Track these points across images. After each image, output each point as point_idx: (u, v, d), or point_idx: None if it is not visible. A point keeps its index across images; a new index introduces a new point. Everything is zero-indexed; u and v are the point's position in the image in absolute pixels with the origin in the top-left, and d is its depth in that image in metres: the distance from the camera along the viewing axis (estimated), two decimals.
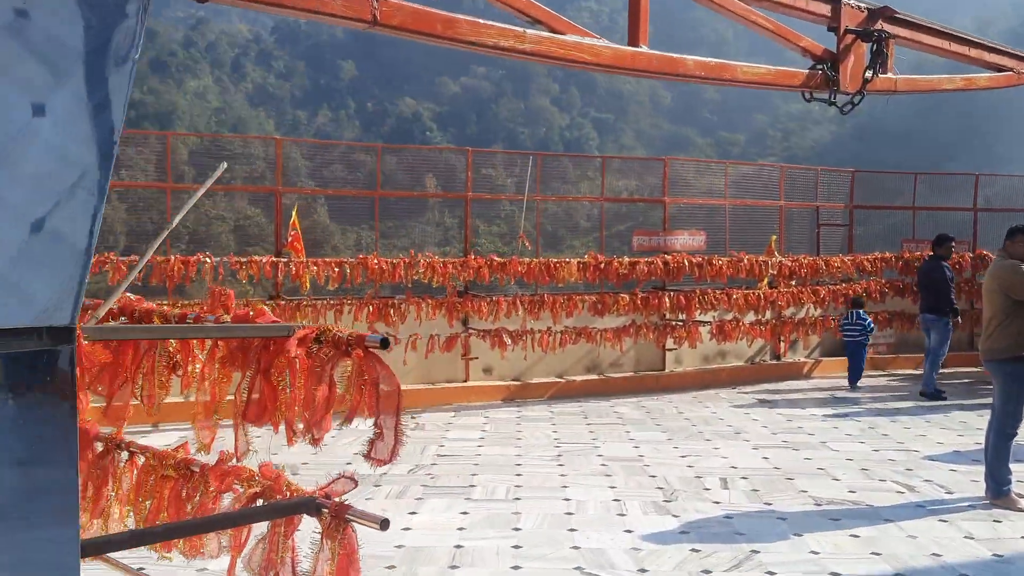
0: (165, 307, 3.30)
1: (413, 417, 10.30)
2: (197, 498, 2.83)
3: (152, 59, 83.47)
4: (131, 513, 3.13)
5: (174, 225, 3.25)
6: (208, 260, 9.45)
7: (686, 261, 12.12)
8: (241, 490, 2.64)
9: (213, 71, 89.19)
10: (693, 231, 12.92)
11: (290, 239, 10.17)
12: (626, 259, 11.83)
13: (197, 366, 2.90)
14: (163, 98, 76.45)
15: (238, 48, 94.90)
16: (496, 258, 11.06)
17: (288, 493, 2.51)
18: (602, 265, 11.61)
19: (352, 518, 2.32)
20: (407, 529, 6.34)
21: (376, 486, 7.43)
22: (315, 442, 2.48)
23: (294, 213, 10.29)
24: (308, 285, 10.00)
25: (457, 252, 19.00)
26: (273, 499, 2.53)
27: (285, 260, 10.00)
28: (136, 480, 3.11)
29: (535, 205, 12.20)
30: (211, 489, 2.75)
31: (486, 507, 6.89)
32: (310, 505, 2.41)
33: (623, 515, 6.74)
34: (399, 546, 5.98)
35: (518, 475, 7.87)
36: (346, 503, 2.37)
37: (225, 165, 3.11)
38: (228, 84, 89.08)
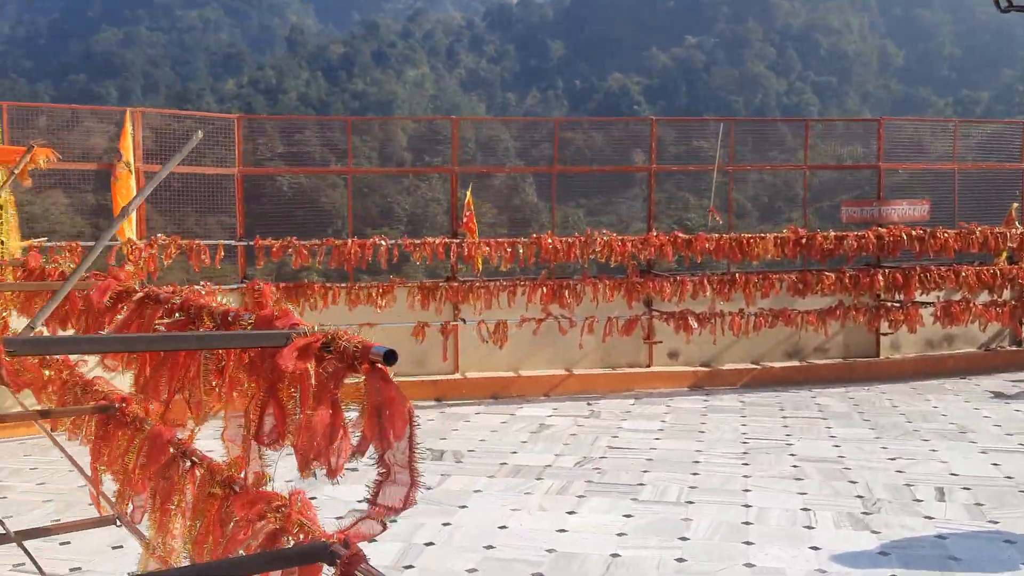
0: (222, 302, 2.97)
1: (589, 404, 9.78)
2: (231, 526, 2.47)
3: (374, 51, 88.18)
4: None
5: (132, 208, 2.91)
6: (383, 243, 9.41)
7: (904, 235, 10.65)
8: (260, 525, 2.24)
9: (429, 59, 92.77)
10: (915, 200, 11.36)
11: (465, 219, 9.94)
12: (832, 233, 10.58)
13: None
14: (384, 88, 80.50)
15: (452, 35, 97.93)
16: (681, 234, 10.24)
17: (301, 535, 2.07)
18: (803, 240, 10.45)
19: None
20: (562, 531, 5.84)
21: (538, 479, 6.99)
22: (331, 474, 2.01)
23: (468, 193, 10.05)
24: (480, 266, 9.73)
25: (666, 227, 18.19)
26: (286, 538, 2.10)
27: (458, 241, 9.78)
28: (195, 494, 2.81)
29: (729, 175, 11.22)
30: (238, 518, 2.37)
31: (653, 510, 6.26)
32: (322, 554, 1.95)
33: (811, 528, 5.86)
34: (550, 550, 5.50)
35: (694, 474, 7.14)
36: (360, 554, 1.88)
37: (201, 134, 2.71)
38: (443, 71, 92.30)
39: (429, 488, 6.75)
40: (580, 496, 6.58)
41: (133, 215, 9.08)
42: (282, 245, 9.17)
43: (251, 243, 9.42)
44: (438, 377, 10.09)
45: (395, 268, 10.53)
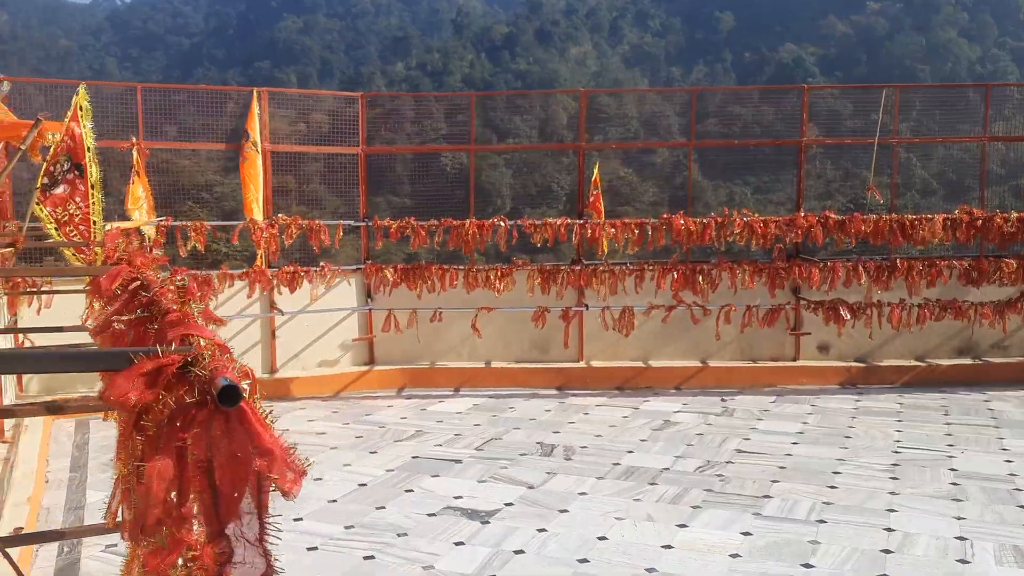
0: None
1: (723, 400, 9.01)
2: None
3: (537, 30, 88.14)
4: None
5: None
6: (502, 224, 9.00)
7: None
8: None
9: (592, 36, 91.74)
10: None
11: (591, 199, 9.36)
12: (1014, 215, 9.21)
13: None
14: (547, 67, 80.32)
15: (616, 11, 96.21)
16: (832, 215, 9.20)
17: None
18: (979, 222, 9.14)
19: None
20: (667, 547, 5.24)
21: (651, 484, 6.39)
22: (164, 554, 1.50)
23: (595, 170, 9.45)
24: (605, 248, 9.13)
25: (840, 206, 16.82)
26: None
27: (581, 222, 9.23)
28: None
29: (893, 149, 10.01)
30: None
31: (776, 528, 5.52)
32: None
33: (966, 562, 4.98)
34: (650, 570, 4.92)
35: (831, 487, 6.31)
36: None
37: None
38: (605, 47, 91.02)
39: (531, 487, 6.32)
40: (695, 507, 5.93)
41: (260, 195, 9.14)
42: (400, 226, 8.95)
43: (370, 223, 9.27)
44: (561, 365, 9.62)
45: (531, 250, 10.14)
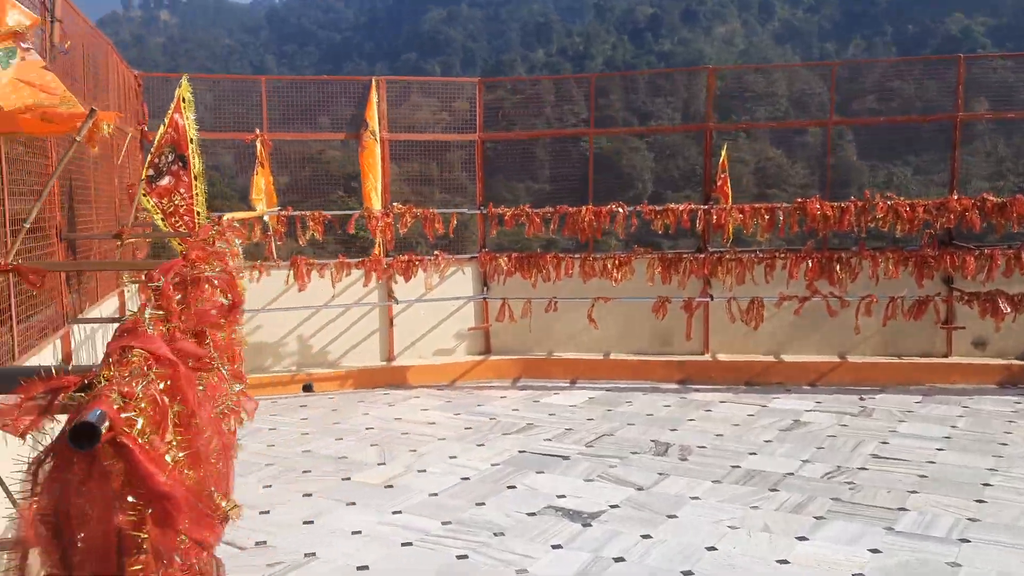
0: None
1: (861, 399, 8.30)
2: None
3: (682, 10, 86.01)
4: None
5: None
6: (620, 210, 8.63)
7: None
8: None
9: (740, 14, 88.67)
10: None
11: (719, 182, 8.82)
12: None
13: None
14: (691, 47, 78.23)
15: None
16: (991, 197, 8.27)
17: None
18: None
19: None
20: (783, 563, 4.80)
21: (772, 490, 5.91)
22: None
23: (723, 152, 8.90)
24: (731, 235, 8.59)
25: (1012, 187, 15.39)
26: None
27: (706, 207, 8.72)
28: None
29: None
30: None
31: (911, 546, 4.96)
32: None
33: None
34: None
35: (979, 501, 5.64)
36: None
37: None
38: (754, 24, 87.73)
39: (640, 488, 5.98)
40: (819, 517, 5.42)
41: (378, 183, 9.17)
42: (514, 213, 8.75)
43: (485, 211, 9.12)
44: (684, 358, 9.16)
45: (657, 239, 9.74)
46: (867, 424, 7.50)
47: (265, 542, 5.17)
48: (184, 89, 5.31)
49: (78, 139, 3.06)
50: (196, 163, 5.31)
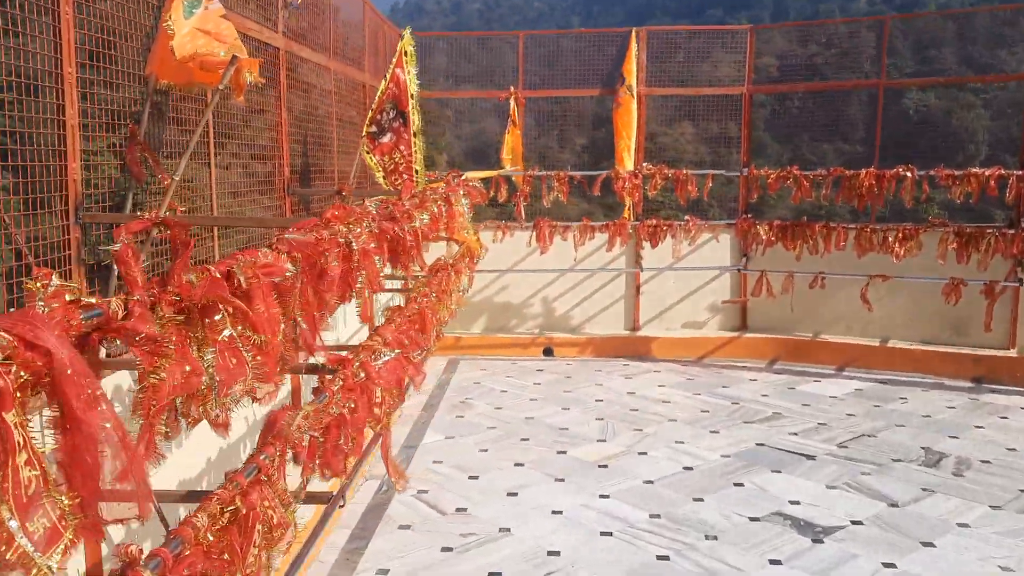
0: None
1: None
2: None
3: None
4: None
5: None
6: (908, 173, 7.34)
7: None
8: None
9: None
10: None
11: None
12: None
13: None
14: None
15: None
16: None
17: None
18: None
19: None
20: None
21: None
22: None
23: None
24: None
25: None
26: None
27: (1020, 173, 7.16)
28: None
29: None
30: None
31: None
32: None
33: None
34: None
35: None
36: None
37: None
38: None
39: (894, 505, 5.05)
40: None
41: (632, 142, 8.68)
42: (780, 175, 7.80)
43: (745, 173, 8.26)
44: (982, 351, 7.72)
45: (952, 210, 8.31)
46: None
47: (466, 509, 5.03)
48: (406, 43, 5.19)
49: (220, 87, 2.96)
50: (416, 120, 5.20)
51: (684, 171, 7.94)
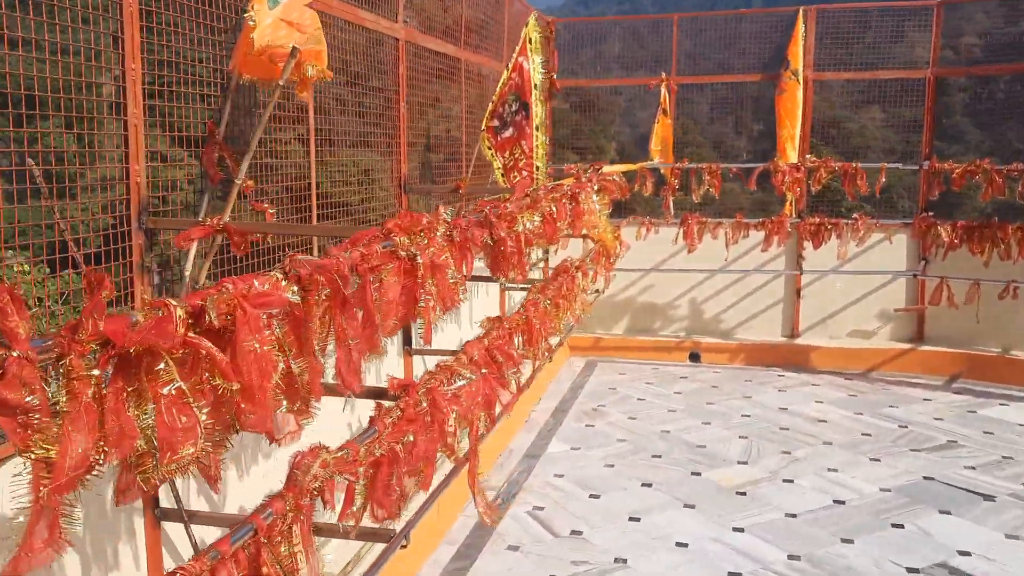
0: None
1: None
2: None
3: None
4: None
5: None
6: None
7: None
8: None
9: None
10: None
11: None
12: None
13: None
14: None
15: None
16: None
17: None
18: None
19: None
20: None
21: None
22: None
23: None
24: None
25: None
26: None
27: None
28: None
29: None
30: None
31: None
32: None
33: None
34: None
35: None
36: None
37: None
38: None
39: None
40: None
41: (796, 131, 7.95)
42: (967, 169, 6.81)
43: (926, 166, 7.30)
44: None
45: None
46: None
47: (581, 532, 4.66)
48: (531, 28, 4.83)
49: (280, 83, 2.72)
50: (538, 112, 4.83)
51: (853, 164, 7.11)
